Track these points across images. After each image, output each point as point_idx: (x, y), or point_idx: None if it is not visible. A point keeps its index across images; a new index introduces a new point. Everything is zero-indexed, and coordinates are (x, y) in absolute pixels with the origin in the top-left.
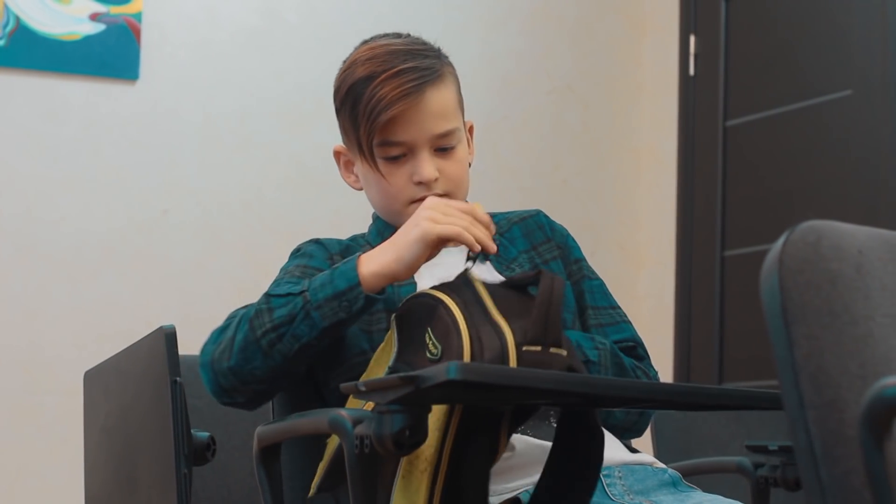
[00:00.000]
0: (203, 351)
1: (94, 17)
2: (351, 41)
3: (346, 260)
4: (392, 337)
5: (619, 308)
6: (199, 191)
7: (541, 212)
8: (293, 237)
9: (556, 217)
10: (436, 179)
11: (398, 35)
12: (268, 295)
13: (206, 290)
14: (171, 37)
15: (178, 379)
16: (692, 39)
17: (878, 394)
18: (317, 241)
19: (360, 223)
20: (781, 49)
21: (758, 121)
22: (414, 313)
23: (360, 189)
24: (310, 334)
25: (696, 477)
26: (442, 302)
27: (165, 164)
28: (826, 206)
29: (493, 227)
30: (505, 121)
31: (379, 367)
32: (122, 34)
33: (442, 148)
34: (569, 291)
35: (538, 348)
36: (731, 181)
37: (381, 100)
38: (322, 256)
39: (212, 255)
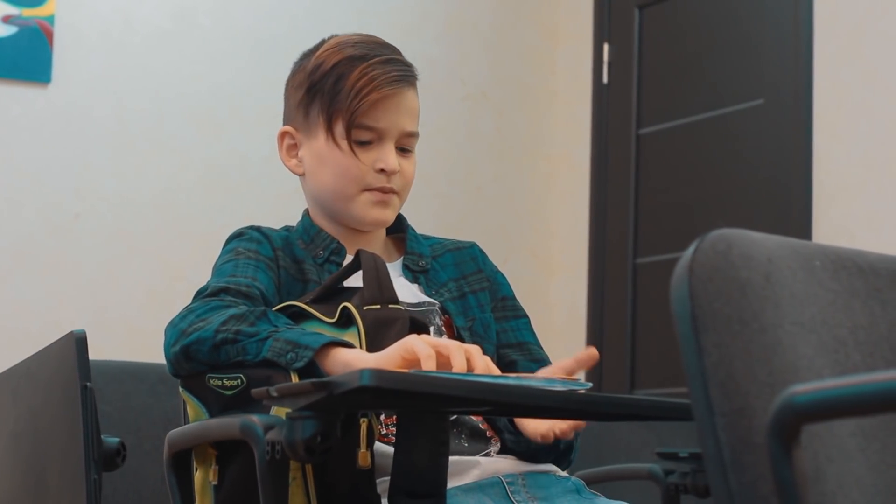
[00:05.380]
0: (182, 317)
1: (6, 20)
2: (265, 45)
3: (335, 338)
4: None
5: (542, 348)
6: (111, 194)
7: (475, 245)
8: (206, 241)
9: (470, 224)
10: (395, 172)
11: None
12: (270, 311)
13: (118, 295)
14: (83, 39)
15: (88, 384)
16: (606, 48)
17: (785, 401)
18: (258, 230)
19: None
20: (694, 58)
21: (671, 129)
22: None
23: (301, 174)
24: (253, 357)
25: (608, 484)
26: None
27: (77, 167)
28: (737, 214)
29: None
30: (419, 127)
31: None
32: (35, 37)
33: (404, 148)
34: (491, 322)
35: (378, 306)
36: (643, 189)
37: (374, 79)
38: (268, 246)
39: (124, 260)
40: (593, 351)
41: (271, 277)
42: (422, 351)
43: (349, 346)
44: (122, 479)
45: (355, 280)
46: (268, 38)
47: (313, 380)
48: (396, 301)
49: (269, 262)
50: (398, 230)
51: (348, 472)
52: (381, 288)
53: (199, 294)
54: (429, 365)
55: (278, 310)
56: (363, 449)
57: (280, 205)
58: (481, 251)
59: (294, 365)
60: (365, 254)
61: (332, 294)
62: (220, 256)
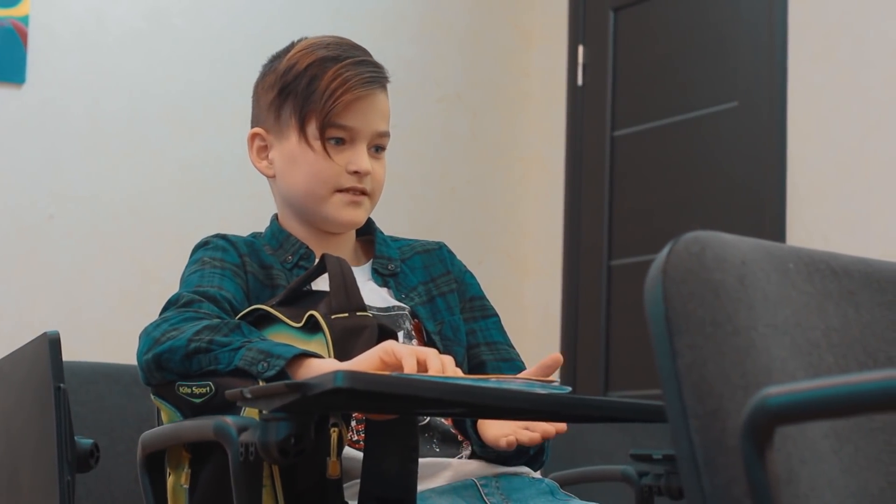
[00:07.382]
0: (156, 325)
1: None
2: (239, 46)
3: (307, 350)
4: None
5: (513, 347)
6: (85, 195)
7: (444, 245)
8: (180, 243)
9: (444, 225)
10: (367, 174)
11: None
12: (244, 320)
13: (92, 296)
14: (58, 40)
15: (61, 385)
16: (580, 50)
17: (759, 403)
18: (223, 237)
19: (247, 230)
20: (669, 60)
21: (645, 131)
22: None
23: (271, 176)
24: (225, 366)
25: (582, 485)
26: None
27: (51, 168)
28: (711, 216)
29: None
30: (393, 129)
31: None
32: (9, 37)
33: (377, 148)
34: (460, 324)
35: (346, 315)
36: (617, 191)
37: (348, 80)
38: (234, 253)
39: (98, 261)
40: (557, 356)
41: (238, 284)
42: (401, 349)
43: (321, 358)
44: (96, 480)
45: (322, 283)
46: (242, 39)
47: (287, 381)
48: (364, 308)
49: (235, 270)
50: (367, 233)
51: (317, 480)
52: (348, 296)
53: (171, 303)
54: (410, 362)
55: (244, 313)
56: (333, 458)
57: (254, 206)
58: (450, 252)
59: (265, 374)
60: (330, 259)
61: (299, 297)
62: (186, 267)
